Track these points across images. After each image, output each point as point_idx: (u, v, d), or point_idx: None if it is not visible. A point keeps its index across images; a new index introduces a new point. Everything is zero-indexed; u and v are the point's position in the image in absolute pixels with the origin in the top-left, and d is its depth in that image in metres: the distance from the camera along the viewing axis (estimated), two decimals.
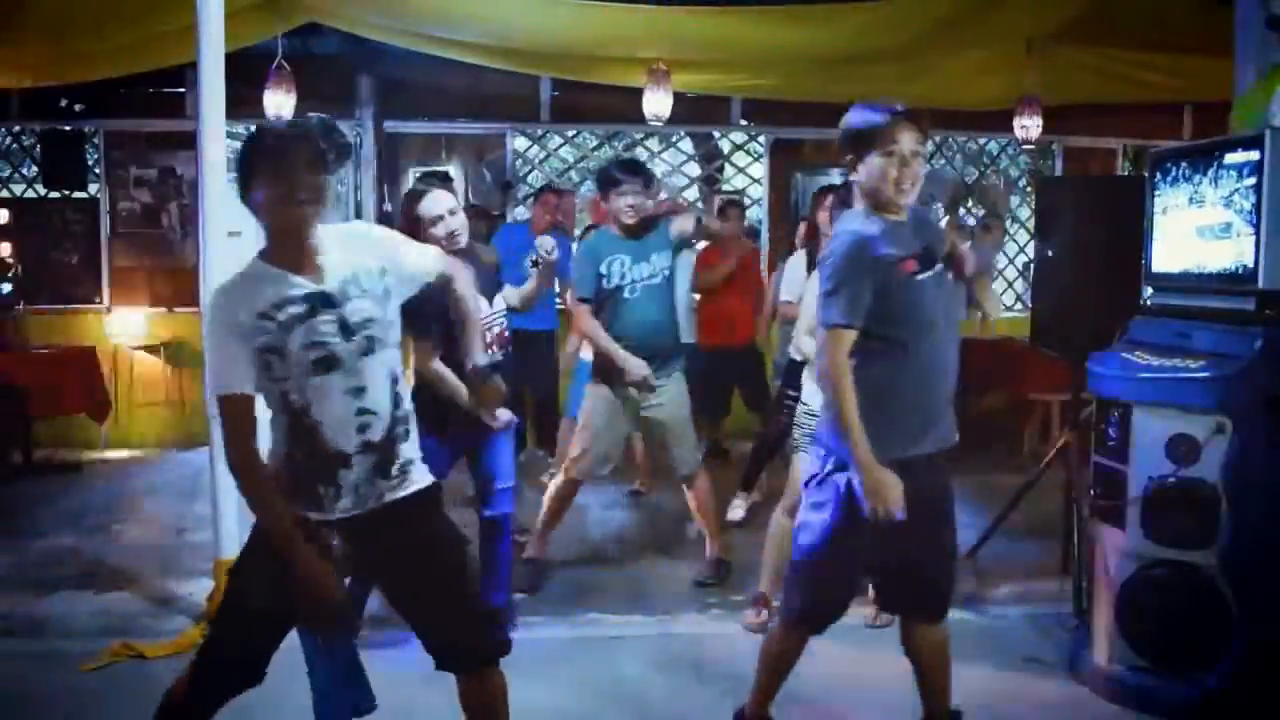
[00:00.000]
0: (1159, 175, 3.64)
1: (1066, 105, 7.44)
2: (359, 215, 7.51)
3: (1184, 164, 3.53)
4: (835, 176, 8.29)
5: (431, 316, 3.25)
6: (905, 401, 2.62)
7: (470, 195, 8.09)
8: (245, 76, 5.14)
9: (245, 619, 2.30)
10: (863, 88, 7.31)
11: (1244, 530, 3.10)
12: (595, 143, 8.34)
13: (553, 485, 4.62)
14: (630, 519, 5.45)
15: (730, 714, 3.01)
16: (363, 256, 2.31)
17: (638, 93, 6.67)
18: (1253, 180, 3.15)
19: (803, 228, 5.27)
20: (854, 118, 2.65)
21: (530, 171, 8.16)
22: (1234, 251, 3.26)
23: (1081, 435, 4.18)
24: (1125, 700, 3.31)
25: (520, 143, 8.10)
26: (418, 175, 4.49)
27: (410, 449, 2.36)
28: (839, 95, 7.45)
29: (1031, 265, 6.36)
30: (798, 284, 4.84)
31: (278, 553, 2.20)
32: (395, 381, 2.32)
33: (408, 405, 2.36)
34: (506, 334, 3.84)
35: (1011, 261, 8.74)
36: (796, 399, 5.11)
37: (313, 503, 2.28)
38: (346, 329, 2.24)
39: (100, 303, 7.71)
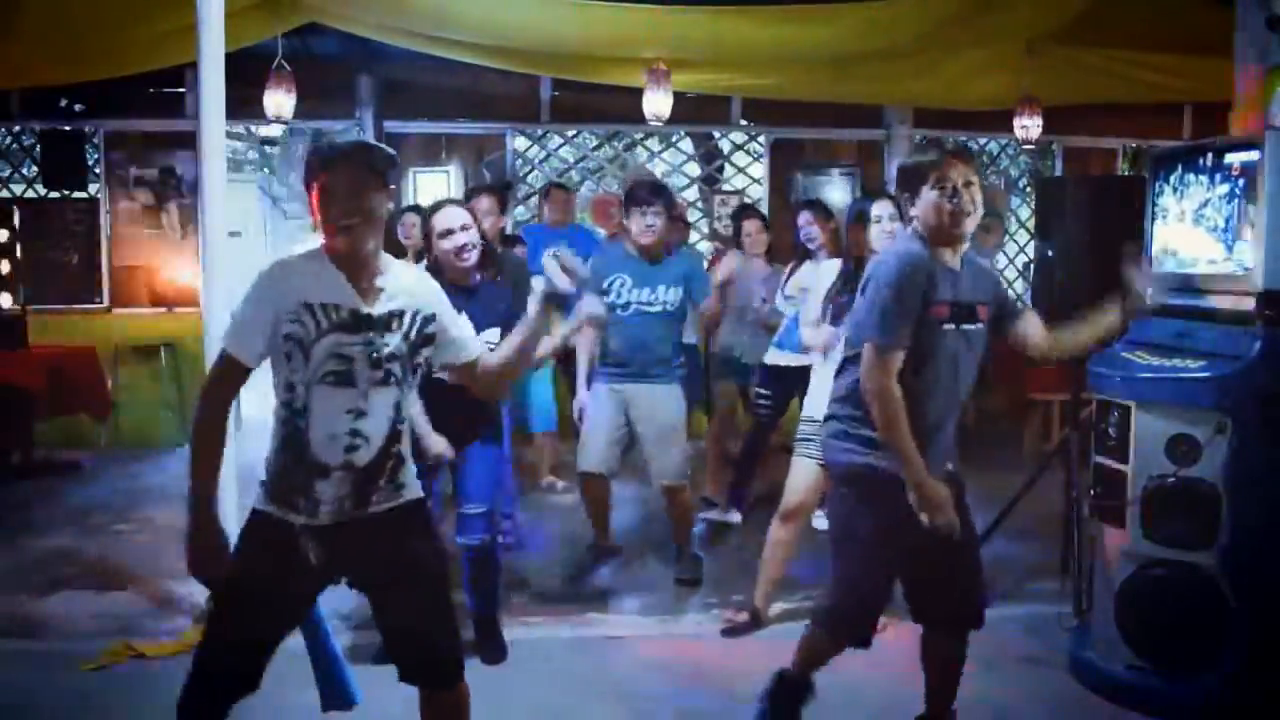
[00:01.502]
0: (1159, 175, 3.64)
1: (1066, 105, 7.44)
2: None
3: (1184, 164, 3.53)
4: (835, 176, 8.33)
5: None
6: (919, 425, 2.63)
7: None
8: (245, 76, 5.14)
9: (237, 621, 2.29)
10: (863, 87, 7.32)
11: (1244, 530, 3.10)
12: (595, 143, 8.34)
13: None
14: (631, 519, 5.44)
15: (731, 715, 3.01)
16: (420, 299, 2.34)
17: (638, 93, 6.67)
18: (1253, 180, 3.15)
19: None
20: (907, 159, 2.79)
21: (530, 171, 8.16)
22: (1234, 251, 3.26)
23: (1082, 435, 4.18)
24: (1125, 700, 3.31)
25: (520, 143, 8.10)
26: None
27: (401, 473, 2.36)
28: (839, 95, 7.49)
29: (1031, 265, 6.36)
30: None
31: (190, 510, 2.23)
32: (397, 413, 2.32)
33: (406, 440, 2.37)
34: None
35: (1011, 261, 8.74)
36: (770, 402, 5.15)
37: (291, 506, 2.28)
38: (372, 356, 2.25)
39: (100, 303, 7.71)
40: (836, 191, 8.15)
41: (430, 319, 2.35)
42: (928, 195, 2.63)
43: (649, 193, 4.39)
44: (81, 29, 5.69)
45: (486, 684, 3.50)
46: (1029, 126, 7.04)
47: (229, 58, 3.95)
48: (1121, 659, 3.35)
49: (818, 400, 3.51)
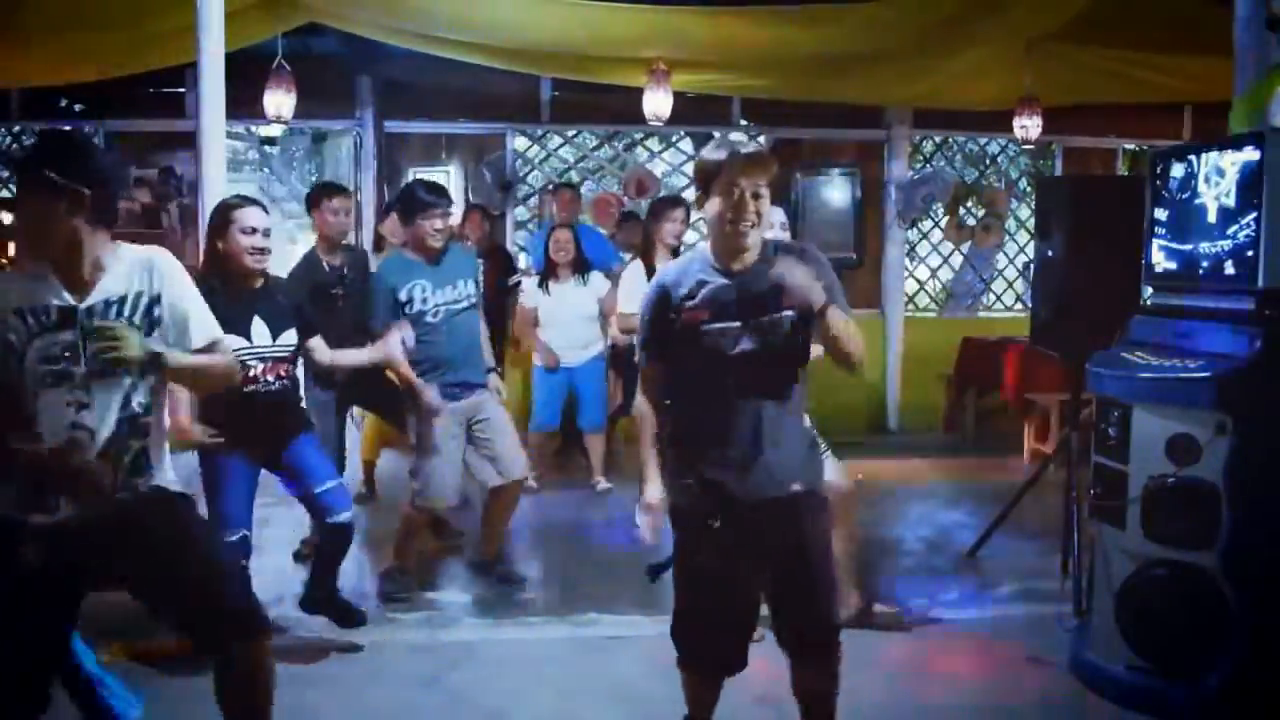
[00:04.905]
0: (1159, 175, 3.64)
1: (1066, 105, 7.44)
2: (359, 215, 7.51)
3: (1184, 164, 3.53)
4: (835, 177, 8.31)
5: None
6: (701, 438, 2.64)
7: (470, 195, 8.09)
8: (245, 76, 5.14)
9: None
10: (863, 88, 7.32)
11: (1244, 530, 3.10)
12: (595, 143, 8.34)
13: (401, 519, 4.43)
14: (629, 519, 5.44)
15: (730, 714, 3.00)
16: (142, 284, 2.34)
17: (638, 93, 6.67)
18: (1252, 180, 3.15)
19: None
20: (703, 152, 2.61)
21: (530, 171, 8.16)
22: (1234, 251, 3.26)
23: (1082, 435, 4.18)
24: (1125, 700, 3.31)
25: (520, 143, 8.10)
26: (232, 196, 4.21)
27: (149, 469, 2.36)
28: (839, 95, 7.49)
29: (1031, 265, 6.36)
30: (637, 294, 4.86)
31: None
32: (128, 405, 2.31)
33: (143, 432, 2.36)
34: (288, 368, 3.64)
35: (1011, 261, 8.74)
36: None
37: (40, 506, 2.27)
38: (83, 348, 2.24)
39: None
40: (836, 192, 8.14)
41: (155, 301, 2.36)
42: (713, 200, 2.51)
43: (433, 194, 4.23)
44: (82, 29, 5.69)
45: (486, 684, 3.51)
46: (1029, 126, 7.04)
47: (229, 58, 3.95)
48: (1121, 659, 3.35)
49: None
